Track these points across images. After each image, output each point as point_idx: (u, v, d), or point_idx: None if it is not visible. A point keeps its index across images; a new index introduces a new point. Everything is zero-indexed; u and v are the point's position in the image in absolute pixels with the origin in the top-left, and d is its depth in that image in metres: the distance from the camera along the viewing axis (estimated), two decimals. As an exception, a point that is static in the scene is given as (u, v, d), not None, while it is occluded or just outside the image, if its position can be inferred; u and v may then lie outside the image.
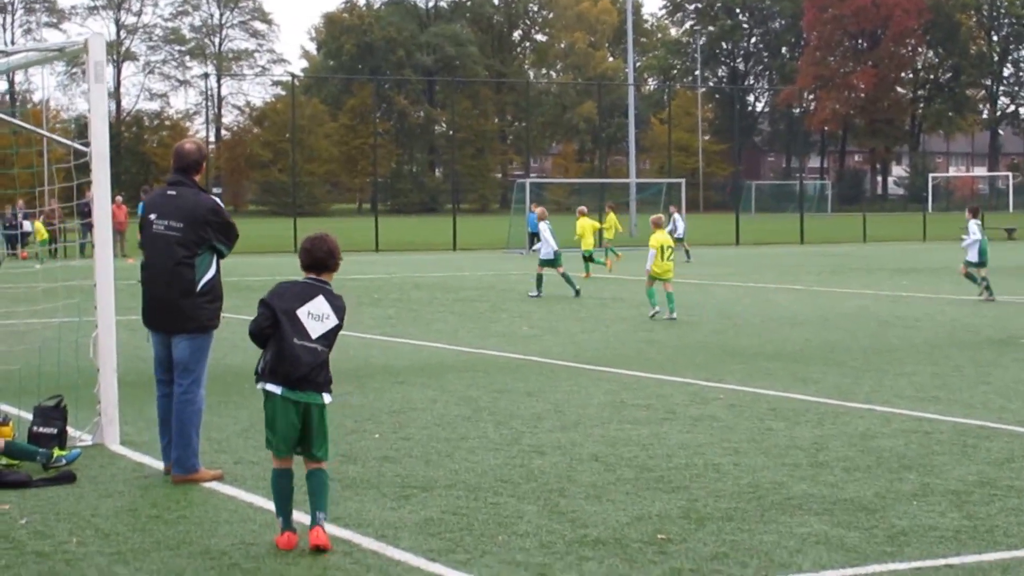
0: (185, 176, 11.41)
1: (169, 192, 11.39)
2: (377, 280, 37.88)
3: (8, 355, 19.16)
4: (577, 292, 31.80)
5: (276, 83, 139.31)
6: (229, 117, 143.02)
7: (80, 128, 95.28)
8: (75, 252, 51.46)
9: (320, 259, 9.26)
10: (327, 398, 9.14)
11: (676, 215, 53.60)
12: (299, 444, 9.08)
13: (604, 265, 41.36)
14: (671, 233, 36.58)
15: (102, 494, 10.73)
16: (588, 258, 39.93)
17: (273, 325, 9.05)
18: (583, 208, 42.95)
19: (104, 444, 12.55)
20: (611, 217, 51.05)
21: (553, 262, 32.48)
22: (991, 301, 29.42)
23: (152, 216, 11.34)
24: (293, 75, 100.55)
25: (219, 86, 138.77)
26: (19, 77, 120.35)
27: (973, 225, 31.06)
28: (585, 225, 40.54)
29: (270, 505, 9.32)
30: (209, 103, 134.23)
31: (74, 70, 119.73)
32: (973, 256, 30.70)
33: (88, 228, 13.75)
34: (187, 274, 11.13)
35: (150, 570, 8.56)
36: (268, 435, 9.14)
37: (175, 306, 11.15)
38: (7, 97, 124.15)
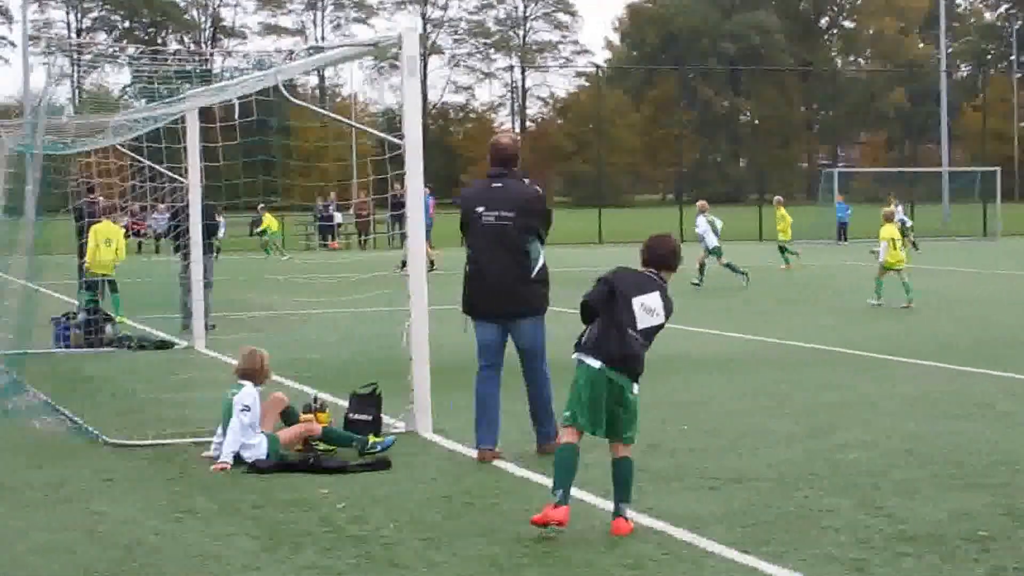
0: (506, 168, 11.80)
1: (494, 184, 11.77)
2: (683, 269, 37.69)
3: (324, 344, 19.73)
4: (746, 281, 32.28)
5: (580, 74, 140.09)
6: (533, 109, 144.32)
7: (388, 121, 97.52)
8: (384, 243, 52.64)
9: (662, 256, 9.55)
10: (635, 389, 9.19)
11: (899, 207, 54.06)
12: (608, 427, 9.12)
13: (797, 255, 41.17)
14: (901, 224, 37.12)
15: (416, 480, 10.94)
16: (783, 249, 40.66)
17: (606, 303, 9.18)
18: (779, 198, 44.35)
19: (417, 432, 12.80)
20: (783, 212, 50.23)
21: (717, 252, 33.14)
22: None
23: (480, 209, 11.70)
24: (597, 66, 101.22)
25: (523, 78, 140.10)
26: (328, 72, 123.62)
27: None
28: (783, 216, 41.33)
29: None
30: (513, 95, 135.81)
31: (381, 64, 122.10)
32: None
33: (396, 220, 14.03)
34: (523, 261, 11.55)
35: (464, 556, 8.68)
36: (571, 408, 9.17)
37: (514, 293, 11.57)
38: (318, 92, 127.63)
